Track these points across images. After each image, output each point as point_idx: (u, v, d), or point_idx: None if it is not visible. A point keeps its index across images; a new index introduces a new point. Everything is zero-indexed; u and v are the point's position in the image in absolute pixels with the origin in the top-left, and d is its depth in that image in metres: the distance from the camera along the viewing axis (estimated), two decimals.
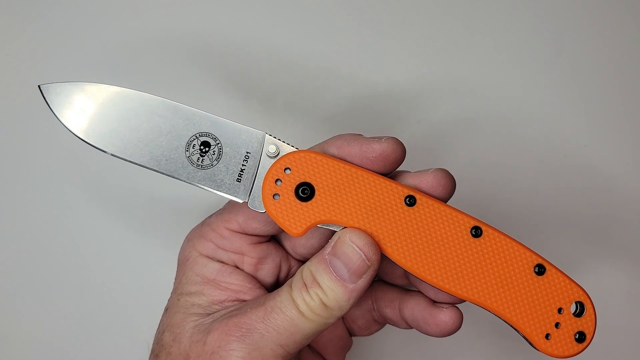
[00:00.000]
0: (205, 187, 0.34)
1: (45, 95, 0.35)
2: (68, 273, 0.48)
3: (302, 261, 0.39)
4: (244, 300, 0.36)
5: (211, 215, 0.38)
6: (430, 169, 0.34)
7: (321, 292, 0.32)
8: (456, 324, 0.35)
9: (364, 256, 0.32)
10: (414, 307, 0.37)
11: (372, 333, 0.43)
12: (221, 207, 0.39)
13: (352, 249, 0.32)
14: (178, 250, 0.39)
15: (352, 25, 0.51)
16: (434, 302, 0.36)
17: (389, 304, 0.39)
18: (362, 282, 0.33)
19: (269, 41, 0.50)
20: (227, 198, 0.34)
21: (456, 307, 0.36)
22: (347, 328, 0.42)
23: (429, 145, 0.50)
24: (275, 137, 0.34)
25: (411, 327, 0.39)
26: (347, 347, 0.43)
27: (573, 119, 0.51)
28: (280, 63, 0.50)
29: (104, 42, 0.49)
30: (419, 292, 0.37)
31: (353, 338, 0.43)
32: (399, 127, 0.50)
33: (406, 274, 0.39)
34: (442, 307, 0.36)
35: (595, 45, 0.52)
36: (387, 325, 0.43)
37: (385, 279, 0.41)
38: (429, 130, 0.51)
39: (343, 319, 0.42)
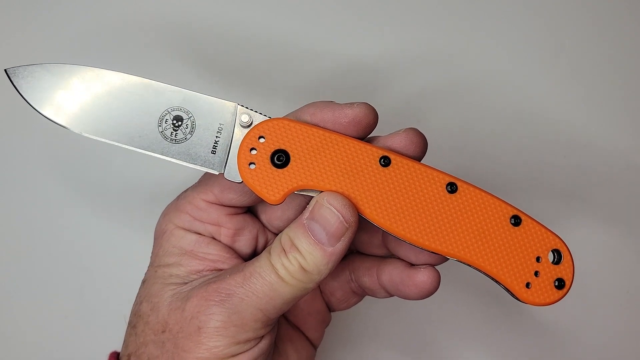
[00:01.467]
0: (181, 162, 0.34)
1: (12, 79, 0.34)
2: (73, 261, 0.49)
3: (278, 234, 0.39)
4: (222, 270, 0.36)
5: (187, 189, 0.38)
6: (401, 129, 0.35)
7: (300, 257, 0.32)
8: (434, 283, 0.35)
9: (341, 218, 0.32)
10: (391, 271, 0.37)
11: (351, 306, 0.43)
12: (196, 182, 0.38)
13: (330, 211, 0.32)
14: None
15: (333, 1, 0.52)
16: (412, 265, 0.37)
17: (367, 272, 0.39)
18: (341, 245, 0.33)
19: (251, 20, 0.51)
20: (203, 171, 0.34)
21: (433, 267, 0.36)
22: (326, 302, 0.42)
23: (407, 116, 0.51)
24: (247, 107, 0.35)
25: (390, 295, 0.39)
26: (326, 321, 0.43)
27: (551, 86, 0.52)
28: (260, 40, 0.51)
29: (110, 39, 0.49)
30: (396, 258, 0.38)
31: (332, 314, 0.43)
32: (379, 98, 0.51)
33: (384, 239, 0.39)
34: (420, 268, 0.36)
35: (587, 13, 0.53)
36: (365, 301, 0.43)
37: (363, 250, 0.41)
38: (406, 101, 0.51)
39: (321, 292, 0.42)
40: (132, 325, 0.35)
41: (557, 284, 0.33)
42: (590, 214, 0.52)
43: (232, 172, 0.34)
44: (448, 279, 0.38)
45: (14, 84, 0.34)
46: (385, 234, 0.39)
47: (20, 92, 0.34)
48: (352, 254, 0.41)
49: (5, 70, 0.34)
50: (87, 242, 0.49)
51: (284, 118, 0.34)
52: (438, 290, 0.36)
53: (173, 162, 0.34)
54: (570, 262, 0.33)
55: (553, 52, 0.53)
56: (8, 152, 0.49)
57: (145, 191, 0.50)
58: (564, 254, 0.33)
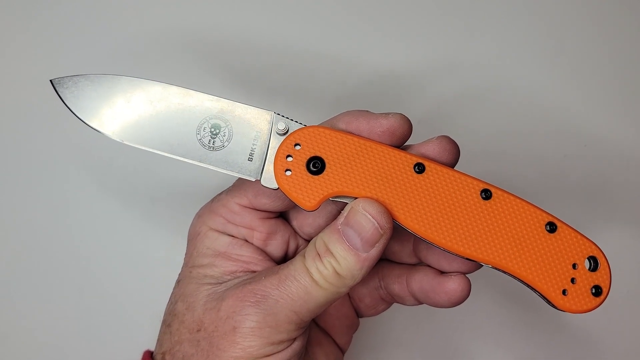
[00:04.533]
0: (218, 168, 0.35)
1: (57, 89, 0.36)
2: (76, 260, 0.50)
3: (309, 240, 0.39)
4: (255, 271, 0.37)
5: (221, 192, 0.39)
6: (434, 137, 0.35)
7: (334, 261, 0.33)
8: (465, 291, 0.36)
9: (376, 224, 0.33)
10: (422, 279, 0.37)
11: (379, 312, 0.43)
12: (230, 185, 0.39)
13: (365, 217, 0.33)
14: (186, 234, 0.40)
15: (352, 10, 0.52)
16: (442, 272, 0.37)
17: (397, 279, 0.40)
18: (375, 251, 0.33)
19: (271, 30, 0.52)
20: (239, 177, 0.35)
21: (464, 275, 0.36)
22: (355, 308, 0.43)
23: (434, 123, 0.51)
24: (283, 116, 0.35)
25: (419, 303, 0.39)
26: (354, 327, 0.43)
27: (571, 88, 0.52)
28: (282, 52, 0.51)
29: (110, 39, 0.51)
30: (427, 265, 0.38)
31: (360, 320, 0.43)
32: (403, 107, 0.51)
33: (415, 248, 0.39)
34: (450, 276, 0.36)
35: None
36: (393, 308, 0.43)
37: (393, 259, 0.41)
38: (433, 109, 0.52)
39: (350, 298, 0.42)
40: (166, 324, 0.36)
41: (594, 291, 0.33)
42: (589, 213, 0.51)
43: (269, 179, 0.35)
44: (476, 285, 0.38)
45: (59, 94, 0.36)
46: (416, 242, 0.39)
47: (65, 101, 0.35)
48: (382, 261, 0.41)
49: (50, 80, 0.36)
50: (97, 231, 0.50)
51: (320, 126, 0.35)
52: None
53: (210, 169, 0.35)
54: (607, 269, 0.33)
55: (582, 56, 0.53)
56: (37, 154, 0.51)
57: (149, 184, 0.51)
58: (601, 261, 0.33)
